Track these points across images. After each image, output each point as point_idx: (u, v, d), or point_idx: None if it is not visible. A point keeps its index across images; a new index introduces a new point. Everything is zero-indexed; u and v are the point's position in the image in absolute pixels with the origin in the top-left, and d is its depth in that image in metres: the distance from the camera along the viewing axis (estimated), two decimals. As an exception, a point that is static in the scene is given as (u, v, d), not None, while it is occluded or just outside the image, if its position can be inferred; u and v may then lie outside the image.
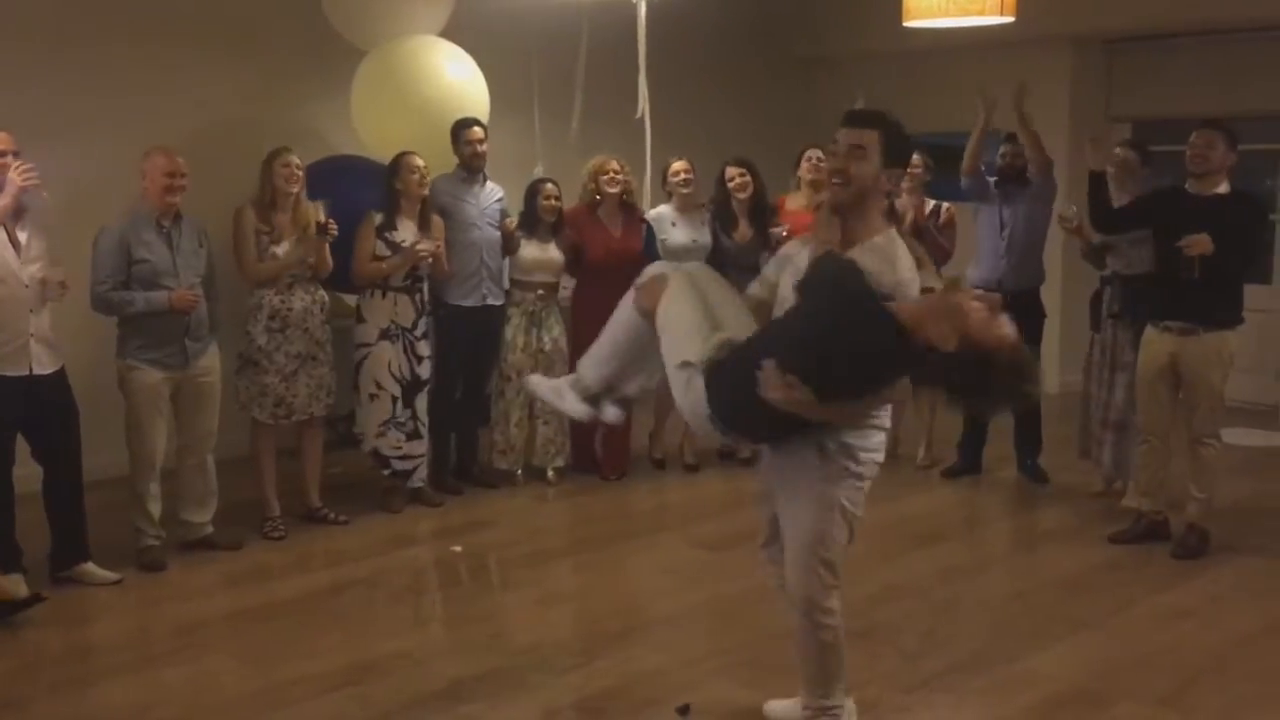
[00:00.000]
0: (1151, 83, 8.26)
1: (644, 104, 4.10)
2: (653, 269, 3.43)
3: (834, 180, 3.05)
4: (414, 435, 5.63)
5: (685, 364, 3.08)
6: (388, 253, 5.46)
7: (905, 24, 5.63)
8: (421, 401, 5.63)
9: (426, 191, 5.55)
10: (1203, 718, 3.62)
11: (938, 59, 8.28)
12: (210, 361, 4.97)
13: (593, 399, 3.46)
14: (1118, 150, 5.61)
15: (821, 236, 3.17)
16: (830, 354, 2.78)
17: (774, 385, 2.79)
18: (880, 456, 3.14)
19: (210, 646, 4.18)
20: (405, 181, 5.48)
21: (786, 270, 3.19)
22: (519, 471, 6.17)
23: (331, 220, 5.20)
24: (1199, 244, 4.74)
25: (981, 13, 5.38)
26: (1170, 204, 5.04)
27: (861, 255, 2.96)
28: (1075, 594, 4.67)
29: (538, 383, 3.73)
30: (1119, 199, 5.35)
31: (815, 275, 2.99)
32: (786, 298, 3.09)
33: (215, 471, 5.08)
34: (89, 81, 5.93)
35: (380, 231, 5.47)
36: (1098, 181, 5.22)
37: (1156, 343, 5.02)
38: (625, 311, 3.39)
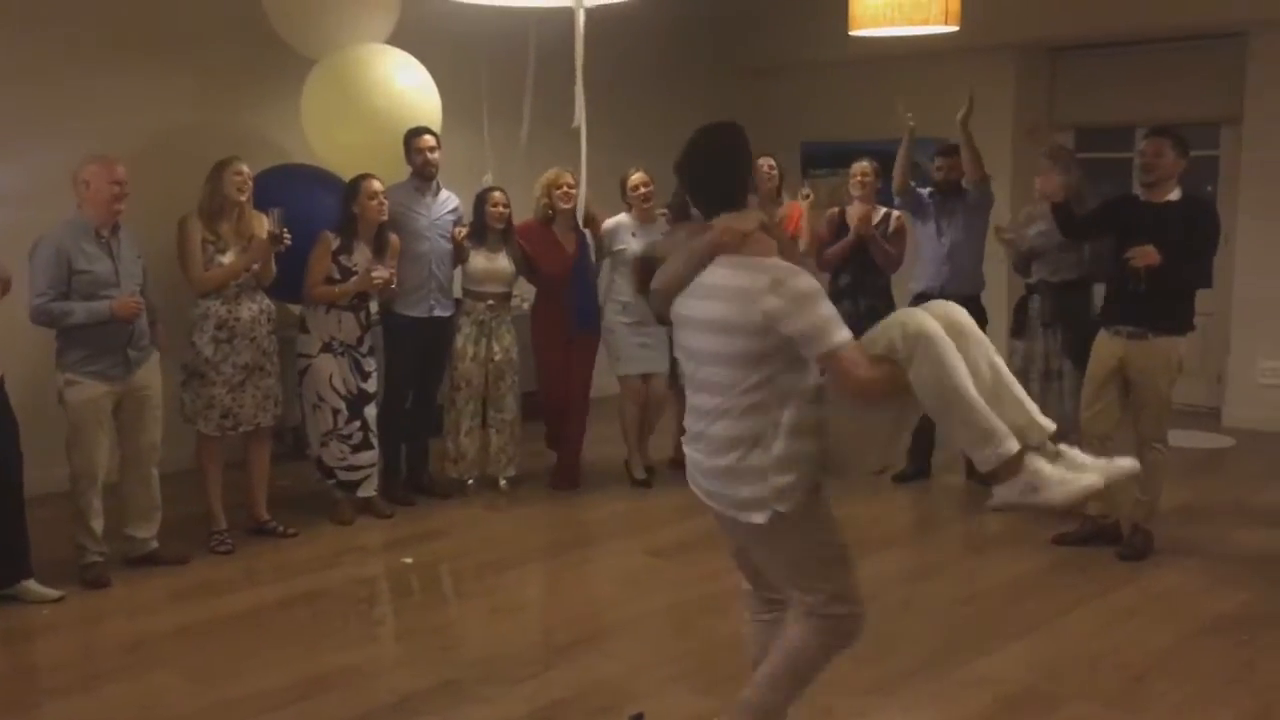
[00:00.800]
0: (1094, 90, 8.40)
1: (581, 114, 4.09)
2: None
3: None
4: (362, 446, 5.57)
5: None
6: (339, 277, 5.42)
7: (852, 32, 5.68)
8: (370, 412, 5.59)
9: (385, 217, 5.50)
10: (1151, 716, 3.66)
11: (884, 67, 8.35)
12: (151, 373, 4.89)
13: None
14: (1044, 161, 5.47)
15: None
16: None
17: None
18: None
19: (156, 663, 4.11)
20: (363, 206, 5.44)
21: None
22: (470, 481, 6.14)
23: (285, 229, 5.14)
24: (1145, 255, 4.77)
25: (926, 21, 5.44)
26: (1125, 211, 5.09)
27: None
28: (1024, 596, 4.72)
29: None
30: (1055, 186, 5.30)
31: None
32: None
33: (159, 485, 5.00)
34: (25, 89, 5.83)
35: (335, 255, 5.41)
36: (1062, 206, 5.22)
37: (1107, 346, 5.06)
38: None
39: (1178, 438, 7.07)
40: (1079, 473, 2.76)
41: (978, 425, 2.71)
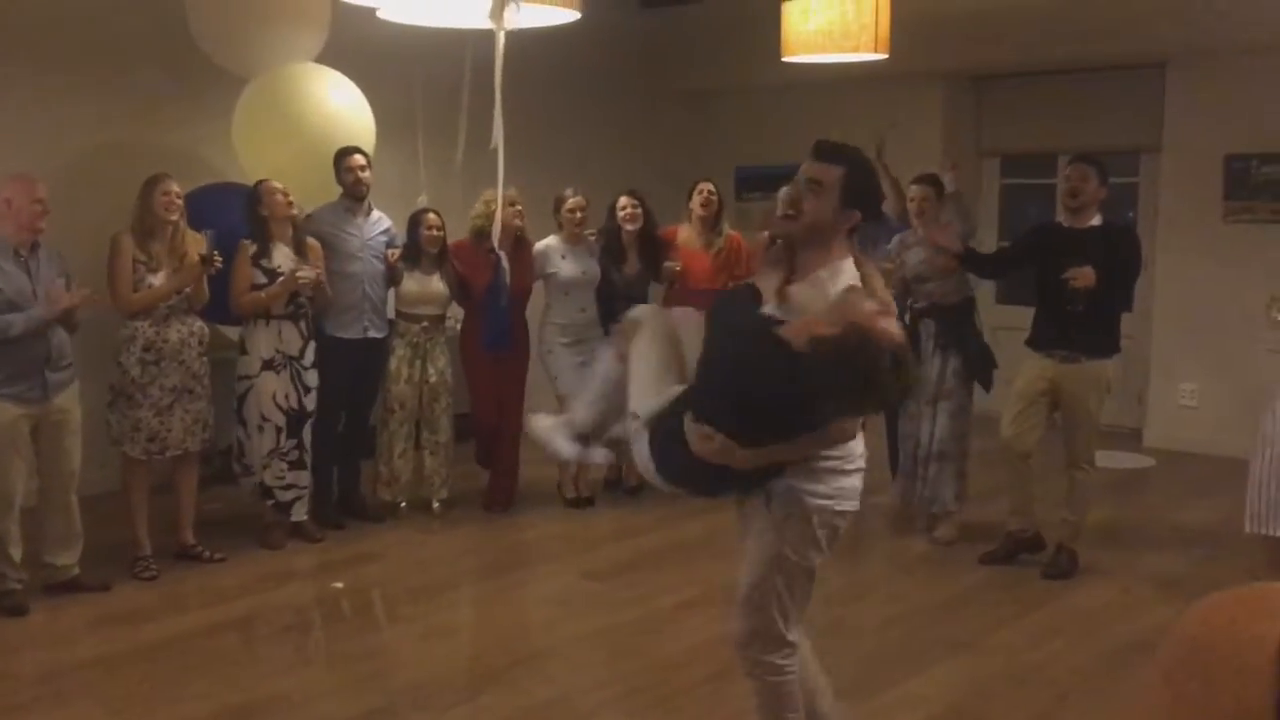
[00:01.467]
0: (1019, 118, 8.60)
1: (499, 136, 4.10)
2: (634, 312, 3.37)
3: (786, 212, 2.89)
4: (298, 465, 5.51)
5: (634, 416, 3.02)
6: (265, 280, 5.34)
7: (784, 59, 5.75)
8: (307, 431, 5.52)
9: (294, 211, 5.44)
10: (1074, 734, 3.74)
11: (816, 92, 8.47)
12: (71, 398, 4.78)
13: (583, 439, 3.38)
14: (914, 188, 5.65)
15: (766, 270, 3.03)
16: (737, 394, 2.72)
17: (694, 438, 2.77)
18: (844, 504, 2.93)
19: (75, 694, 4.00)
20: (270, 205, 5.38)
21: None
22: (403, 504, 6.08)
23: (216, 253, 5.08)
24: (1084, 276, 4.86)
25: (856, 49, 5.52)
26: (1048, 239, 5.21)
27: (799, 290, 2.86)
28: (952, 615, 4.79)
29: (537, 422, 3.52)
30: (923, 239, 5.50)
31: (710, 319, 2.98)
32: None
33: (79, 510, 4.88)
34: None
35: (255, 260, 5.35)
36: (968, 253, 5.39)
37: (1038, 368, 5.16)
38: (605, 355, 3.37)
39: (1101, 458, 7.24)
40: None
41: None
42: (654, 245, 6.26)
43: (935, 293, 5.59)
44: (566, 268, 6.16)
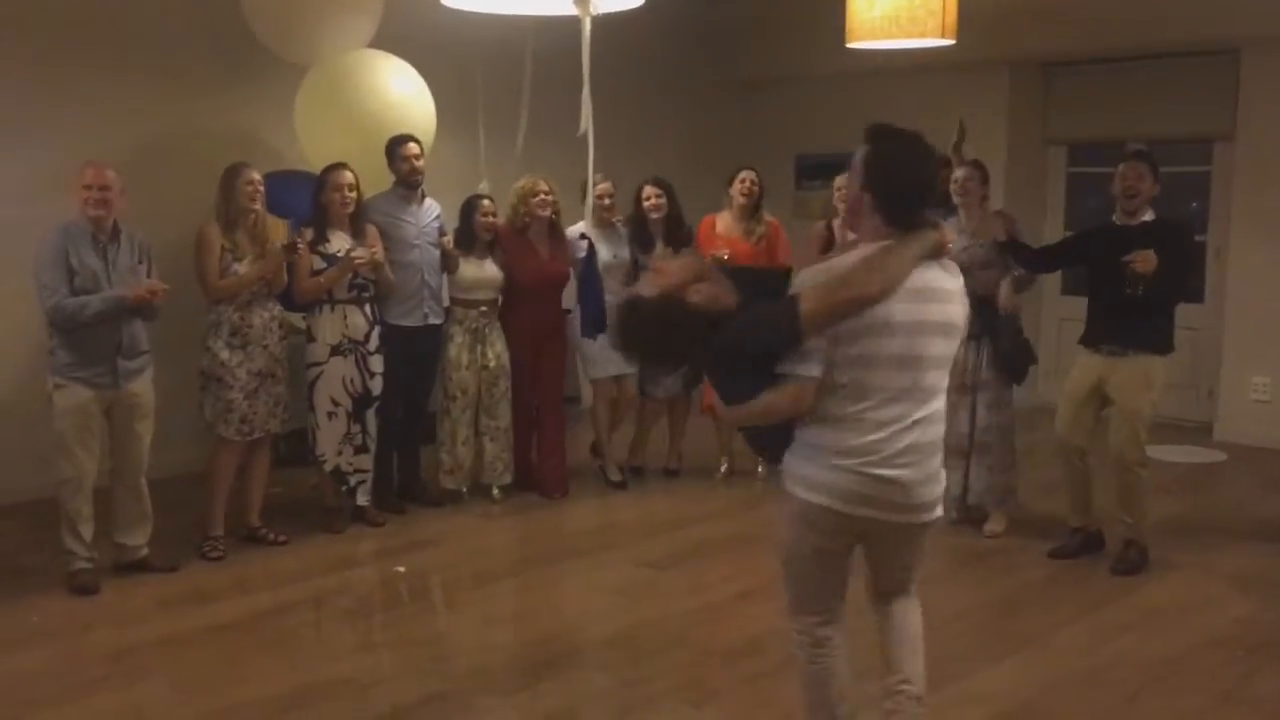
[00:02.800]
0: (1086, 106, 8.44)
1: (588, 121, 4.08)
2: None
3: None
4: (361, 449, 5.56)
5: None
6: (324, 266, 5.39)
7: (848, 45, 5.68)
8: (370, 416, 5.56)
9: (351, 209, 5.46)
10: (1145, 733, 3.66)
11: (879, 80, 8.37)
12: (144, 384, 4.84)
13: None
14: (957, 171, 5.60)
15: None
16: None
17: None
18: (814, 495, 2.84)
19: (144, 673, 4.07)
20: (329, 198, 5.41)
21: None
22: (465, 490, 6.10)
23: (299, 240, 5.18)
24: (1145, 260, 4.81)
25: (923, 35, 5.45)
26: (1102, 237, 5.18)
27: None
28: (1017, 611, 4.71)
29: None
30: (965, 219, 5.49)
31: None
32: None
33: (149, 493, 4.95)
34: (24, 93, 5.81)
35: (312, 246, 5.39)
36: (1014, 245, 5.35)
37: (1087, 363, 5.15)
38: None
39: (1170, 453, 7.13)
40: None
41: None
42: (681, 233, 6.31)
43: (974, 282, 5.49)
44: (603, 251, 6.19)
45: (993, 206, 6.16)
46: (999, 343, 5.47)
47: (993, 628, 4.53)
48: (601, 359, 6.23)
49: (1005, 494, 5.60)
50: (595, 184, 6.17)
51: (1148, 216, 5.06)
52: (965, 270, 5.38)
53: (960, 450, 5.52)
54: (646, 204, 6.28)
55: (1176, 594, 4.83)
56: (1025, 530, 5.65)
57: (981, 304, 5.46)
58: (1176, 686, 3.96)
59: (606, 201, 6.23)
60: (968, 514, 5.64)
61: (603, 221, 6.26)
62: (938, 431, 2.91)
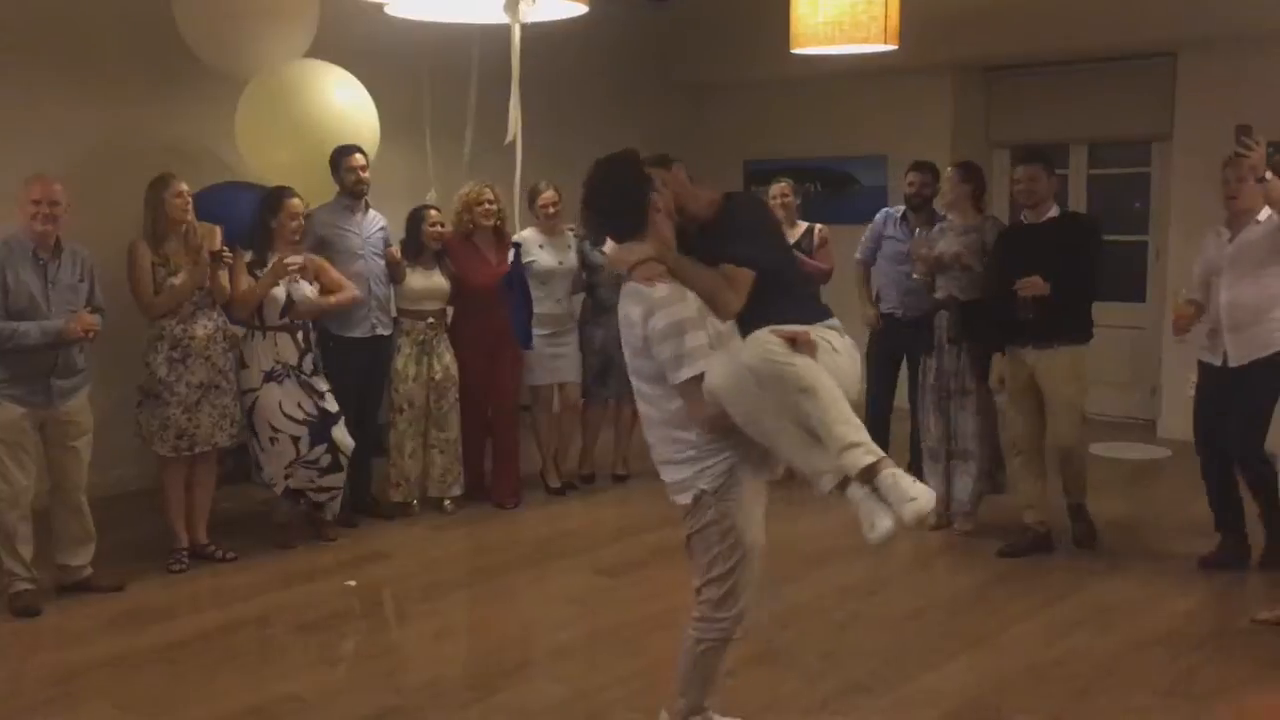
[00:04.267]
0: (1028, 108, 8.54)
1: (515, 128, 4.08)
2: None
3: None
4: (330, 469, 5.42)
5: None
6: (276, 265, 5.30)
7: (793, 51, 5.71)
8: (339, 432, 5.43)
9: (299, 240, 5.40)
10: (1094, 728, 3.70)
11: (825, 85, 8.44)
12: (80, 402, 4.76)
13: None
14: (950, 170, 5.78)
15: None
16: None
17: None
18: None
19: (89, 695, 3.98)
20: (280, 224, 5.33)
21: None
22: (414, 503, 6.05)
23: (226, 248, 5.09)
24: (1031, 285, 5.08)
25: (866, 40, 5.49)
26: (1013, 239, 5.38)
27: None
28: (968, 610, 4.75)
29: None
30: (953, 224, 5.63)
31: None
32: None
33: (92, 512, 4.86)
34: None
35: (252, 269, 5.31)
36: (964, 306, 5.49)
37: (1016, 361, 5.32)
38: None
39: (1114, 449, 7.24)
40: (883, 511, 2.84)
41: (797, 466, 3.00)
42: None
43: (953, 285, 5.58)
44: (544, 258, 6.19)
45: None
46: (974, 348, 5.52)
47: (945, 626, 4.56)
48: (543, 367, 6.23)
49: (974, 501, 5.64)
50: (540, 191, 6.18)
51: (1053, 213, 5.27)
52: (946, 269, 5.54)
53: (938, 455, 5.61)
54: None
55: (1124, 590, 4.90)
56: (977, 531, 5.70)
57: (960, 307, 5.52)
58: (1125, 682, 4.01)
59: (551, 210, 6.21)
60: (948, 520, 5.68)
61: (549, 229, 6.25)
62: (650, 433, 3.23)
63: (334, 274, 5.53)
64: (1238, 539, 5.09)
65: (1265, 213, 4.75)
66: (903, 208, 6.31)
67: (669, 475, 3.19)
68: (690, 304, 3.04)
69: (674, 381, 3.01)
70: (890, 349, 6.36)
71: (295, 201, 5.37)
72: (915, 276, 5.79)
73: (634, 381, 3.21)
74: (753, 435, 2.99)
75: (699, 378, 2.96)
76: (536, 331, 6.06)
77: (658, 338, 3.01)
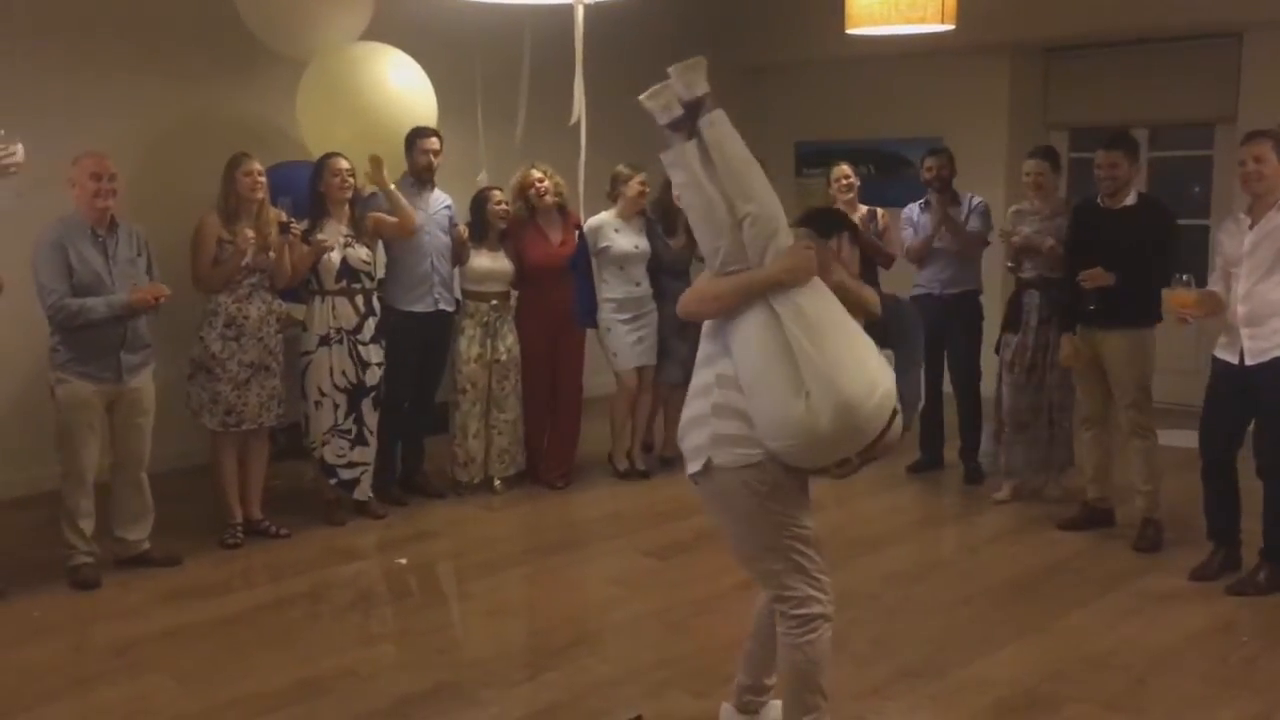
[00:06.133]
0: (1087, 90, 8.39)
1: (579, 110, 4.06)
2: None
3: None
4: (357, 441, 5.52)
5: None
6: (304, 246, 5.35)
7: (848, 31, 5.66)
8: (367, 407, 5.52)
9: (349, 195, 5.44)
10: (1152, 717, 3.64)
11: (880, 66, 8.34)
12: (146, 378, 4.83)
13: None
14: (1029, 161, 5.75)
15: None
16: None
17: None
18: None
19: (147, 666, 4.06)
20: (328, 184, 5.40)
21: None
22: (477, 481, 6.08)
23: (294, 220, 5.16)
24: (1094, 278, 5.08)
25: (923, 20, 5.43)
26: (1087, 220, 5.34)
27: None
28: (1021, 596, 4.69)
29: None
30: (1039, 210, 5.68)
31: None
32: None
33: (150, 487, 4.94)
34: (27, 90, 5.78)
35: (305, 235, 5.36)
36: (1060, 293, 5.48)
37: (1082, 340, 5.31)
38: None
39: (1175, 437, 7.08)
40: None
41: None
42: None
43: (1042, 265, 5.62)
44: (620, 242, 6.16)
45: (993, 195, 6.20)
46: (1065, 326, 5.51)
47: (999, 612, 4.51)
48: (627, 352, 6.20)
49: (1063, 466, 5.80)
50: (627, 177, 6.15)
51: (1130, 200, 5.20)
52: (1033, 253, 5.52)
53: (1023, 426, 5.77)
54: (675, 193, 6.21)
55: (1182, 579, 4.81)
56: (1027, 515, 5.65)
57: (1048, 286, 5.52)
58: (1183, 671, 3.95)
59: (642, 194, 6.17)
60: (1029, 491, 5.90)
61: (626, 211, 6.19)
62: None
63: (389, 218, 5.54)
64: (1231, 549, 4.88)
65: None
66: (925, 198, 6.28)
67: (687, 441, 3.13)
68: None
69: (722, 267, 3.00)
70: (931, 330, 6.33)
71: (338, 160, 5.42)
72: (1008, 264, 5.91)
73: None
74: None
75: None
76: (617, 316, 6.06)
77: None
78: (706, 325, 3.14)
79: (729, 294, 2.99)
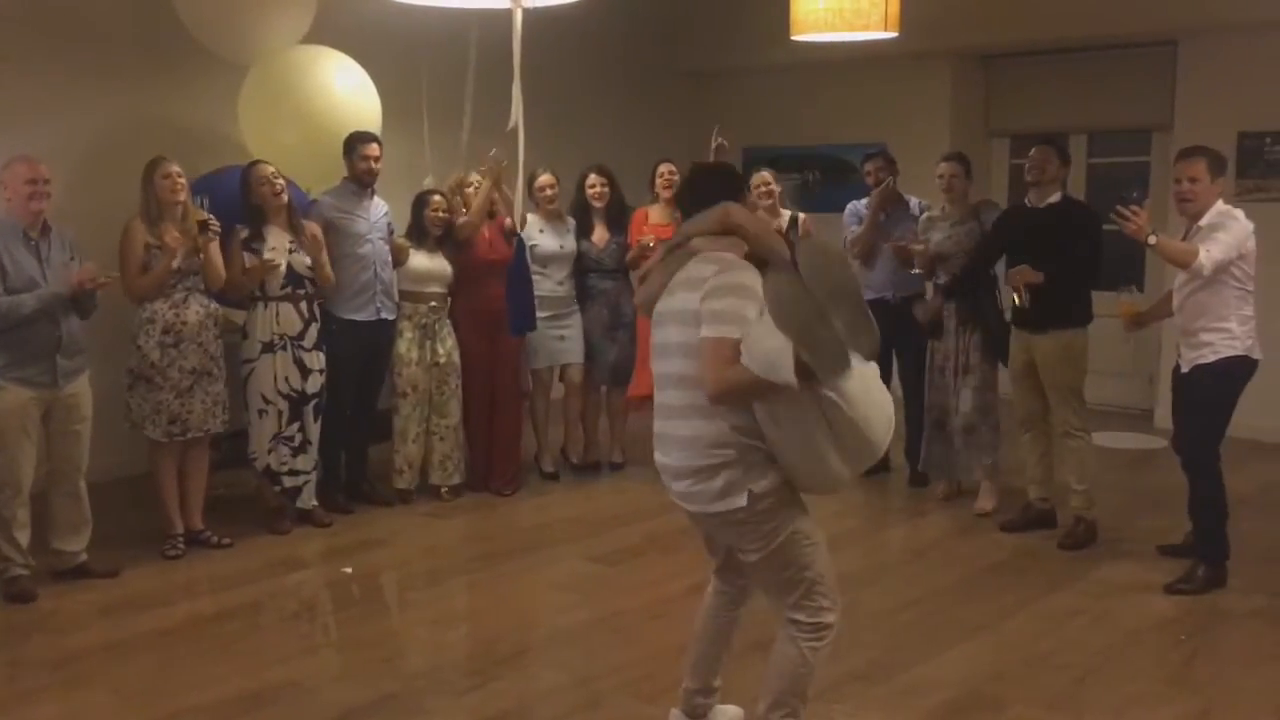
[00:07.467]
0: (1027, 97, 8.53)
1: (518, 114, 4.05)
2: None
3: None
4: (300, 449, 5.46)
5: None
6: (258, 263, 5.30)
7: (793, 37, 5.70)
8: (309, 415, 5.47)
9: (283, 199, 5.37)
10: (1093, 717, 3.70)
11: (825, 72, 8.41)
12: (82, 385, 4.74)
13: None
14: (942, 165, 5.85)
15: None
16: None
17: None
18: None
19: (85, 681, 3.97)
20: (259, 194, 5.33)
21: None
22: (414, 489, 6.04)
23: (212, 217, 5.07)
24: (1023, 275, 5.18)
25: (866, 28, 5.49)
26: (1013, 221, 5.48)
27: None
28: (966, 598, 4.75)
29: None
30: (949, 215, 5.80)
31: None
32: None
33: (88, 497, 4.84)
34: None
35: (247, 244, 5.29)
36: (956, 283, 5.68)
37: (1015, 342, 5.41)
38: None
39: (1112, 439, 7.24)
40: None
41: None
42: (622, 218, 6.40)
43: (957, 269, 5.71)
44: (545, 242, 6.22)
45: (935, 200, 6.25)
46: (986, 328, 5.69)
47: (942, 616, 4.55)
48: (545, 349, 6.26)
49: (987, 472, 5.83)
50: (538, 176, 6.19)
51: (1054, 199, 5.30)
52: (948, 256, 5.65)
53: (943, 428, 5.87)
54: (590, 191, 6.36)
55: (1121, 579, 4.89)
56: (971, 518, 5.72)
57: (966, 290, 5.60)
58: (1123, 671, 4.01)
59: (548, 193, 6.24)
60: (934, 488, 6.06)
61: (549, 214, 6.27)
62: (674, 427, 3.10)
63: (325, 261, 5.50)
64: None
65: (1212, 213, 4.58)
66: (865, 199, 6.36)
67: (708, 483, 3.03)
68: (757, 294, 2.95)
69: (708, 333, 2.92)
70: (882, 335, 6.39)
71: (261, 167, 5.36)
72: (915, 272, 5.96)
73: (668, 364, 3.11)
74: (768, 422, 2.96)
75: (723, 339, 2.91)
76: (540, 314, 6.07)
77: (715, 292, 2.95)
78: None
79: (753, 385, 2.90)
